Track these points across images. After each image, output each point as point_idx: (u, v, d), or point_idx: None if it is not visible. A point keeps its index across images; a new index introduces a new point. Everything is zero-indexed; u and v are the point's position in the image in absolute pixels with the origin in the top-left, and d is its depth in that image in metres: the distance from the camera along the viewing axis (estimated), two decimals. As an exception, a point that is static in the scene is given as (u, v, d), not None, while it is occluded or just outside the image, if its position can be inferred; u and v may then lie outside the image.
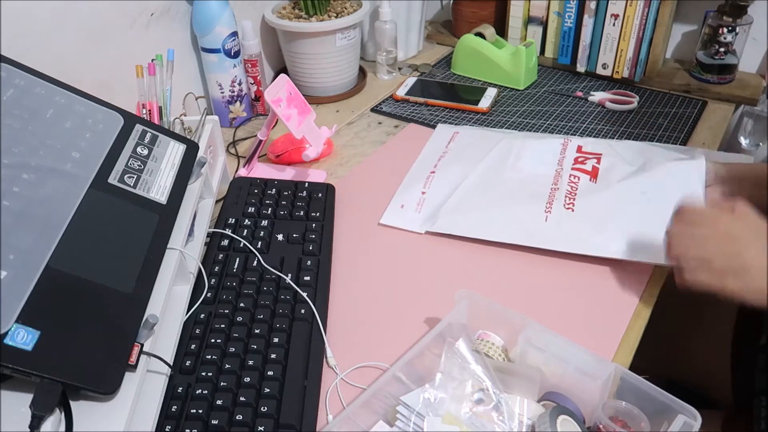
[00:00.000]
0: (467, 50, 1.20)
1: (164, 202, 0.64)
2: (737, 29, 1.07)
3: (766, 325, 0.84)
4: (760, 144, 1.24)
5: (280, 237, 0.77)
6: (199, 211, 0.77)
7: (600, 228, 0.75)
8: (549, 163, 0.87)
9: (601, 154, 0.87)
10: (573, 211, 0.78)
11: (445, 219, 0.80)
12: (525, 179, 0.85)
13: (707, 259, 0.60)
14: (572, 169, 0.85)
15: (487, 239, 0.77)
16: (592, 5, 1.10)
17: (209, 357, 0.61)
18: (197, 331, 0.64)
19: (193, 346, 0.62)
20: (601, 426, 0.53)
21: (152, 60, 0.79)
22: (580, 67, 1.18)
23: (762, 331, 0.84)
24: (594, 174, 0.84)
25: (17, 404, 0.48)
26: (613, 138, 0.99)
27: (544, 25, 1.21)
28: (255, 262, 0.72)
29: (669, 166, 0.81)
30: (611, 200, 0.78)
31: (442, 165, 0.91)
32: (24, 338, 0.47)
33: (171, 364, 0.58)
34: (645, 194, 0.77)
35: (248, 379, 0.59)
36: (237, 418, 0.56)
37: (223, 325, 0.64)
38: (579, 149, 0.89)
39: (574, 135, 1.01)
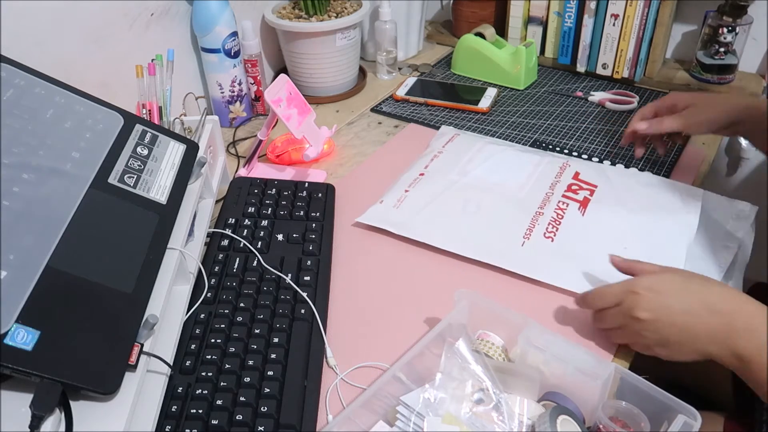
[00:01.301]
0: (467, 50, 1.20)
1: (164, 202, 0.64)
2: (737, 29, 1.07)
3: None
4: (760, 144, 1.24)
5: (280, 237, 0.77)
6: (199, 211, 0.77)
7: (574, 267, 0.73)
8: (541, 185, 0.84)
9: (596, 187, 0.84)
10: (552, 241, 0.76)
11: (421, 226, 0.79)
12: (512, 198, 0.82)
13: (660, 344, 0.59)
14: (562, 195, 0.82)
15: (462, 254, 0.76)
16: (592, 5, 1.10)
17: (209, 357, 0.61)
18: (197, 331, 0.64)
19: (193, 346, 0.62)
20: (601, 426, 0.53)
21: (152, 60, 0.79)
22: (580, 67, 1.18)
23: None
24: (584, 204, 0.81)
25: (17, 404, 0.48)
26: (613, 138, 0.99)
27: (544, 25, 1.21)
28: (255, 262, 0.72)
29: (658, 223, 0.78)
30: (592, 245, 0.75)
31: (432, 168, 0.89)
32: (24, 338, 0.47)
33: (171, 364, 0.58)
34: (627, 250, 0.73)
35: (248, 379, 0.59)
36: (237, 418, 0.56)
37: (223, 325, 0.64)
38: (576, 176, 0.86)
39: (574, 136, 1.01)
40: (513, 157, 0.91)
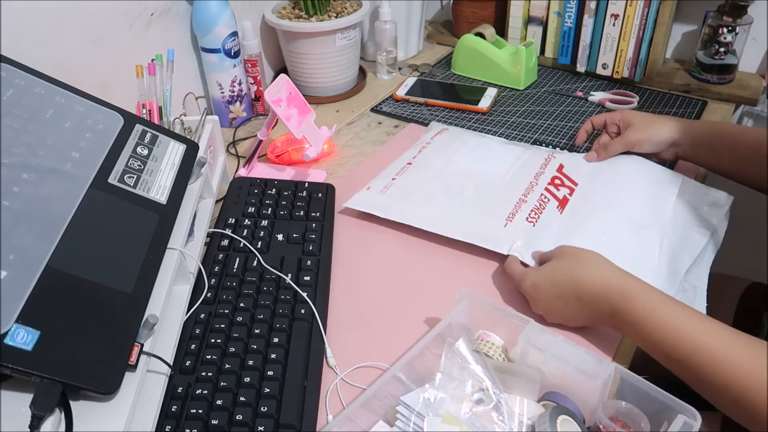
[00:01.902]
0: (467, 50, 1.20)
1: (164, 202, 0.64)
2: (737, 29, 1.07)
3: (766, 325, 0.84)
4: (760, 144, 1.24)
5: (280, 237, 0.77)
6: (199, 211, 0.77)
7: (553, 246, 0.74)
8: (525, 174, 0.85)
9: (576, 185, 0.85)
10: (534, 226, 0.77)
11: (406, 210, 0.81)
12: (494, 185, 0.84)
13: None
14: (545, 189, 0.83)
15: (447, 236, 0.77)
16: (592, 5, 1.10)
17: (209, 357, 0.61)
18: (197, 331, 0.64)
19: (193, 346, 0.62)
20: (601, 426, 0.53)
21: (152, 60, 0.79)
22: (580, 67, 1.18)
23: (759, 331, 0.84)
24: (563, 204, 0.82)
25: (17, 404, 0.48)
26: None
27: (544, 25, 1.21)
28: (255, 262, 0.72)
29: (633, 218, 0.78)
30: (571, 232, 0.77)
31: (420, 158, 0.91)
32: (24, 338, 0.47)
33: (171, 364, 0.58)
34: (604, 234, 0.76)
35: (248, 379, 0.59)
36: (237, 418, 0.56)
37: (223, 325, 0.64)
38: (560, 168, 0.87)
39: (574, 136, 1.01)
40: (498, 148, 0.93)
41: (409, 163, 0.90)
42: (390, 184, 0.86)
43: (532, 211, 0.79)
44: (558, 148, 0.97)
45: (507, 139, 1.00)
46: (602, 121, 0.91)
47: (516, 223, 0.77)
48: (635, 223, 0.78)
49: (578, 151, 0.95)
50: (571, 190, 0.85)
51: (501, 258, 0.75)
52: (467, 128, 1.04)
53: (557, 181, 0.85)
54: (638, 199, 0.81)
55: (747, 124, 1.22)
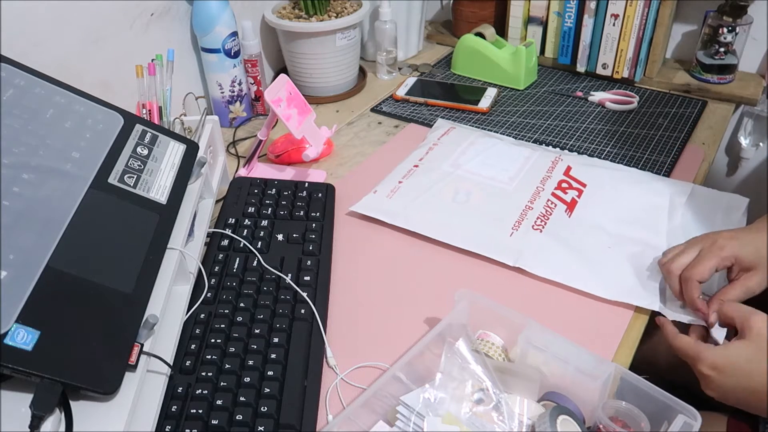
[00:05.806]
0: (467, 50, 1.20)
1: (164, 202, 0.64)
2: (737, 29, 1.07)
3: None
4: (760, 144, 1.24)
5: (280, 237, 0.77)
6: (199, 211, 0.77)
7: (560, 259, 0.74)
8: (532, 179, 0.85)
9: (585, 186, 0.85)
10: (541, 232, 0.78)
11: (412, 216, 0.80)
12: (501, 191, 0.84)
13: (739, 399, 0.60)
14: (551, 194, 0.83)
15: (453, 244, 0.77)
16: (592, 5, 1.10)
17: (209, 357, 0.61)
18: (197, 331, 0.64)
19: (193, 346, 0.62)
20: (601, 426, 0.53)
21: (152, 60, 0.79)
22: (580, 67, 1.18)
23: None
24: (571, 207, 0.82)
25: (17, 404, 0.48)
26: (613, 138, 0.99)
27: (544, 25, 1.21)
28: (255, 262, 0.72)
29: (641, 223, 0.79)
30: (577, 243, 0.77)
31: (426, 160, 0.91)
32: (24, 338, 0.47)
33: (171, 364, 0.58)
34: (610, 249, 0.76)
35: (248, 379, 0.59)
36: (237, 418, 0.56)
37: (223, 325, 0.64)
38: (567, 171, 0.87)
39: (574, 136, 1.01)
40: (505, 150, 0.92)
41: (416, 166, 0.90)
42: (397, 187, 0.86)
43: (538, 218, 0.79)
44: (566, 150, 0.97)
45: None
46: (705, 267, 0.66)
47: (522, 231, 0.77)
48: (641, 235, 0.77)
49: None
50: (580, 192, 0.85)
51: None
52: (467, 128, 1.04)
53: (564, 185, 0.85)
54: (645, 210, 0.81)
55: (747, 124, 1.22)
